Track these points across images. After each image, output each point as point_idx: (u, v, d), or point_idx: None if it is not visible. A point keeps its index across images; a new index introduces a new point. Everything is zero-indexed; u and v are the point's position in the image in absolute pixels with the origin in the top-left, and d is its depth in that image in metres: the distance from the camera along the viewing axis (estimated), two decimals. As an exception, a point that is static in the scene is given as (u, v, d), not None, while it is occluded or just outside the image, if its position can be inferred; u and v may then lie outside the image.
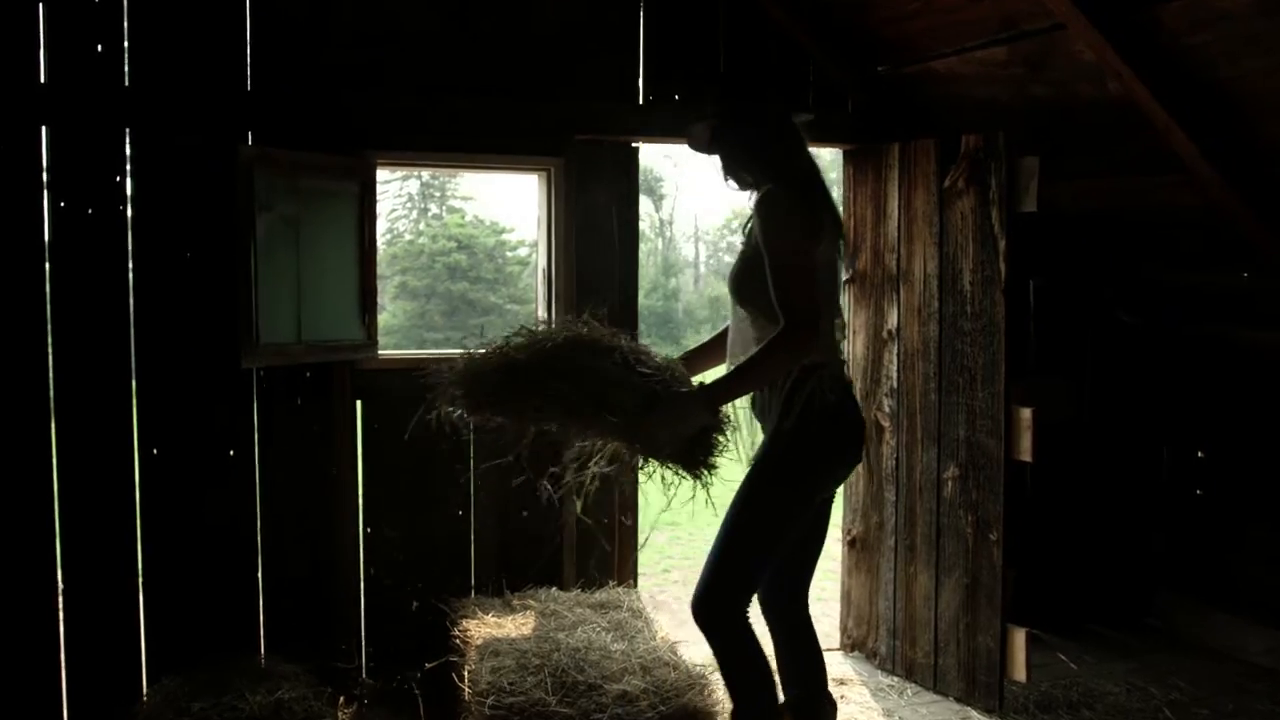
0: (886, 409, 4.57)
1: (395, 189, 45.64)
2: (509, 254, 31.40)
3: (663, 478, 2.85)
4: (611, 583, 4.37)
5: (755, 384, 2.92)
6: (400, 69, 4.15)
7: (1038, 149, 4.03)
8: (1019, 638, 4.08)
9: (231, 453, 4.06)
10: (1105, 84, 3.80)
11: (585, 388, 2.74)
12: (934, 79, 4.48)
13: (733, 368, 2.98)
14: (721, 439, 2.85)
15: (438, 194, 44.85)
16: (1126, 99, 3.71)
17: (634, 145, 4.48)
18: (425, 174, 46.26)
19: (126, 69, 3.85)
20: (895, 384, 4.52)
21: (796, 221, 2.82)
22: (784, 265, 2.78)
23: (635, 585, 4.51)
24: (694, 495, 2.83)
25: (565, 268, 4.33)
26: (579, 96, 4.35)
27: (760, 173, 2.99)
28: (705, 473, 2.83)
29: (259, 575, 4.14)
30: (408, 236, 43.49)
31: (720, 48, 4.53)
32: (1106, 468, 5.30)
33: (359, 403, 4.22)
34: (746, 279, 2.94)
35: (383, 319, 39.25)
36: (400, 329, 38.04)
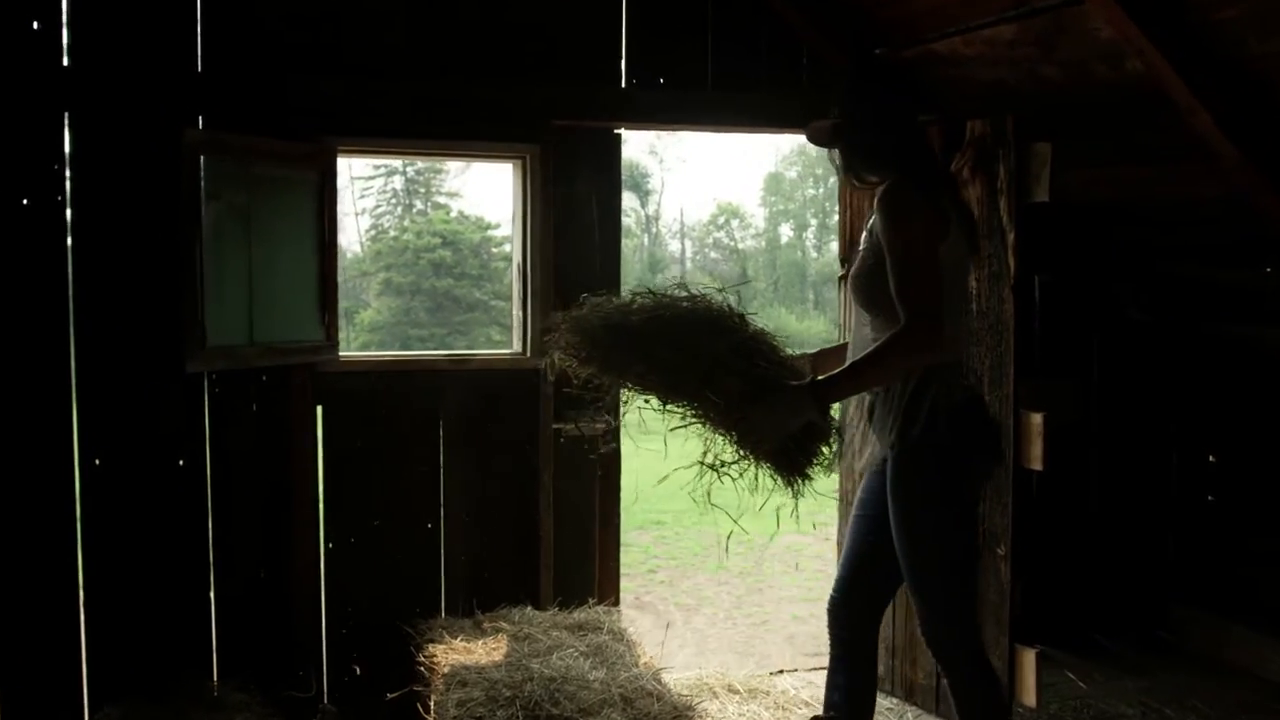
0: (885, 413, 4.29)
1: (380, 185, 45.43)
2: (494, 250, 31.14)
3: (755, 477, 2.67)
4: (591, 600, 4.08)
5: (870, 383, 2.77)
6: (364, 50, 3.86)
7: (1048, 135, 3.75)
8: (1028, 659, 3.81)
9: (181, 463, 3.76)
10: (1123, 64, 3.52)
11: (693, 363, 2.59)
12: (936, 61, 4.19)
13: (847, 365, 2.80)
14: (826, 449, 2.71)
15: (423, 190, 44.61)
16: (1146, 79, 3.44)
17: (616, 131, 4.20)
18: (410, 169, 46.14)
19: (65, 48, 3.53)
20: (895, 387, 4.24)
21: (920, 216, 2.69)
22: (905, 260, 2.64)
23: (617, 603, 4.22)
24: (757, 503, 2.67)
25: (541, 262, 4.03)
26: (557, 79, 4.06)
27: (883, 168, 2.85)
28: (801, 481, 2.68)
29: (211, 595, 3.84)
30: (393, 233, 43.22)
31: (708, 27, 4.23)
32: (1114, 473, 5.04)
33: (320, 408, 3.92)
34: (867, 279, 2.80)
35: (367, 315, 39.10)
36: (385, 325, 37.79)
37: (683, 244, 53.90)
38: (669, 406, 2.69)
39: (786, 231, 50.53)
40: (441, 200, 40.77)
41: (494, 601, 4.01)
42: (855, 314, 2.94)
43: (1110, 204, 4.39)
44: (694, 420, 2.68)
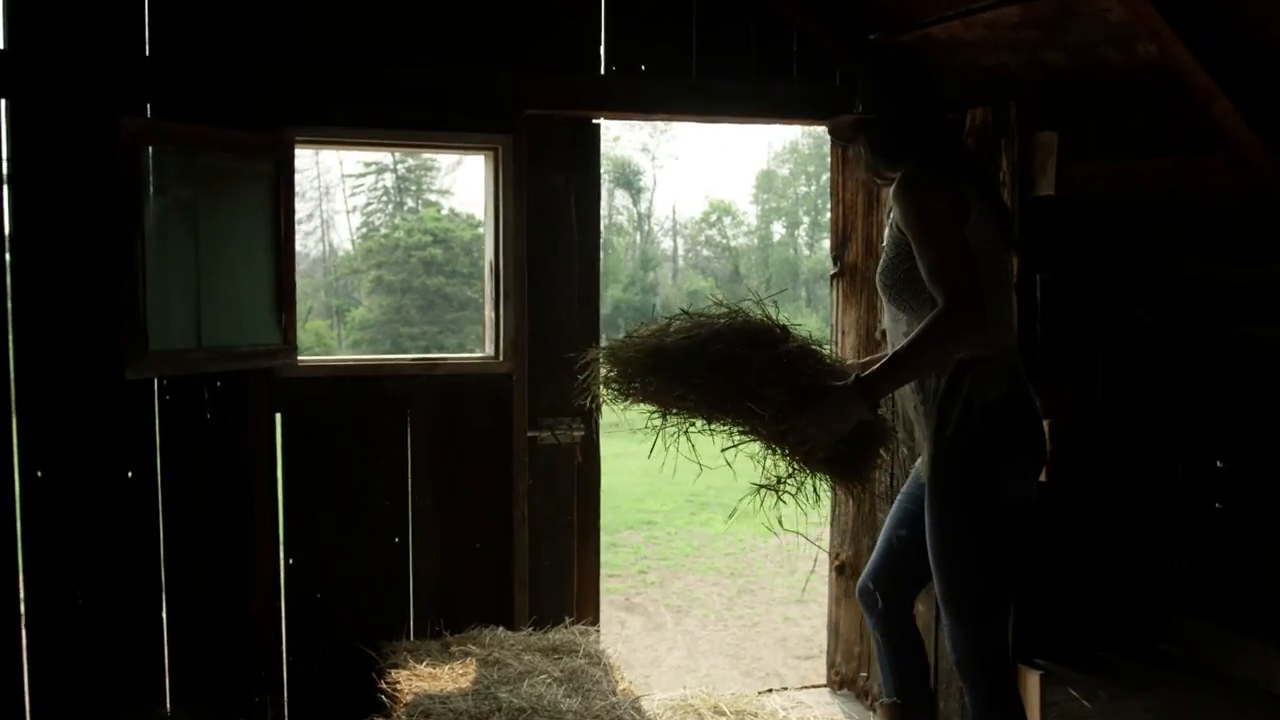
0: (880, 420, 4.06)
1: (371, 182, 45.30)
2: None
3: (815, 489, 2.60)
4: (568, 620, 3.84)
5: (914, 371, 2.61)
6: (324, 35, 3.61)
7: (1054, 124, 3.53)
8: (1032, 681, 3.59)
9: (130, 474, 3.51)
10: (1134, 48, 3.30)
11: (735, 379, 2.50)
12: (933, 47, 3.95)
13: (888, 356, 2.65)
14: (883, 450, 2.66)
15: (414, 187, 44.47)
16: (1161, 64, 3.21)
17: (595, 121, 3.95)
18: (401, 167, 45.95)
19: (1, 30, 3.29)
20: (890, 392, 4.00)
21: (939, 195, 2.58)
22: (932, 241, 2.54)
23: (596, 621, 3.98)
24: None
25: (515, 261, 3.79)
26: (531, 66, 3.81)
27: (901, 155, 2.74)
28: (861, 486, 2.65)
29: (163, 616, 3.60)
30: (384, 230, 43.06)
31: (692, 12, 3.98)
32: (1117, 480, 4.82)
33: (279, 416, 3.67)
34: (893, 273, 2.70)
35: (359, 313, 38.93)
36: (376, 323, 37.66)
37: (675, 241, 53.76)
38: (715, 427, 2.59)
39: (779, 229, 50.42)
40: (433, 198, 40.62)
41: (465, 621, 3.77)
42: (888, 314, 2.82)
43: (1118, 198, 4.15)
44: (743, 438, 2.59)
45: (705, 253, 52.26)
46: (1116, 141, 3.81)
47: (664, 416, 2.62)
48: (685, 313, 2.73)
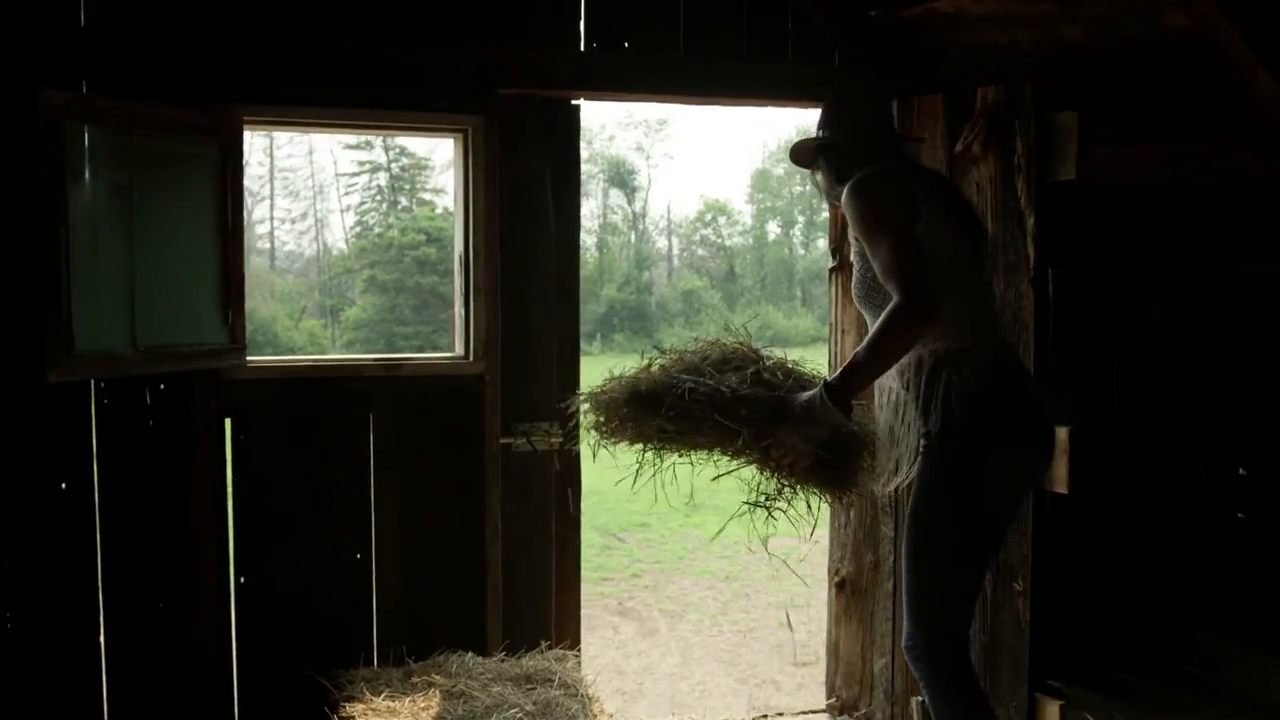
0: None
1: (365, 181, 45.02)
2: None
3: (808, 503, 2.69)
4: (545, 644, 3.53)
5: (876, 367, 2.62)
6: (277, 6, 3.31)
7: (1071, 104, 3.24)
8: (1050, 711, 3.31)
9: (64, 485, 3.20)
10: (1161, 18, 3.00)
11: (711, 403, 2.55)
12: (939, 22, 3.65)
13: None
14: (866, 454, 2.74)
15: (408, 187, 44.22)
16: (1192, 36, 2.92)
17: (574, 102, 3.65)
18: (395, 166, 45.67)
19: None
20: (894, 395, 3.71)
21: (883, 197, 2.68)
22: (881, 241, 2.62)
23: (576, 645, 3.67)
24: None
25: (486, 253, 3.49)
26: (505, 41, 3.50)
27: (853, 172, 2.79)
28: (850, 492, 2.77)
29: (101, 640, 3.29)
30: (377, 230, 42.82)
31: (680, -16, 3.69)
32: (1134, 488, 4.53)
33: (228, 422, 3.37)
34: (862, 284, 2.79)
35: (352, 313, 38.83)
36: (370, 323, 37.43)
37: (670, 241, 53.57)
38: (699, 455, 2.66)
39: (774, 229, 50.29)
40: (426, 197, 40.41)
41: (432, 645, 3.47)
42: (870, 324, 2.79)
43: (1136, 186, 3.85)
44: (730, 462, 2.64)
45: (700, 252, 52.06)
46: (1137, 123, 3.51)
47: (651, 452, 2.65)
48: (661, 350, 2.84)
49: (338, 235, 48.55)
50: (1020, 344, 3.32)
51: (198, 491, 3.31)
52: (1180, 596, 4.59)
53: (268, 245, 48.94)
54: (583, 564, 7.50)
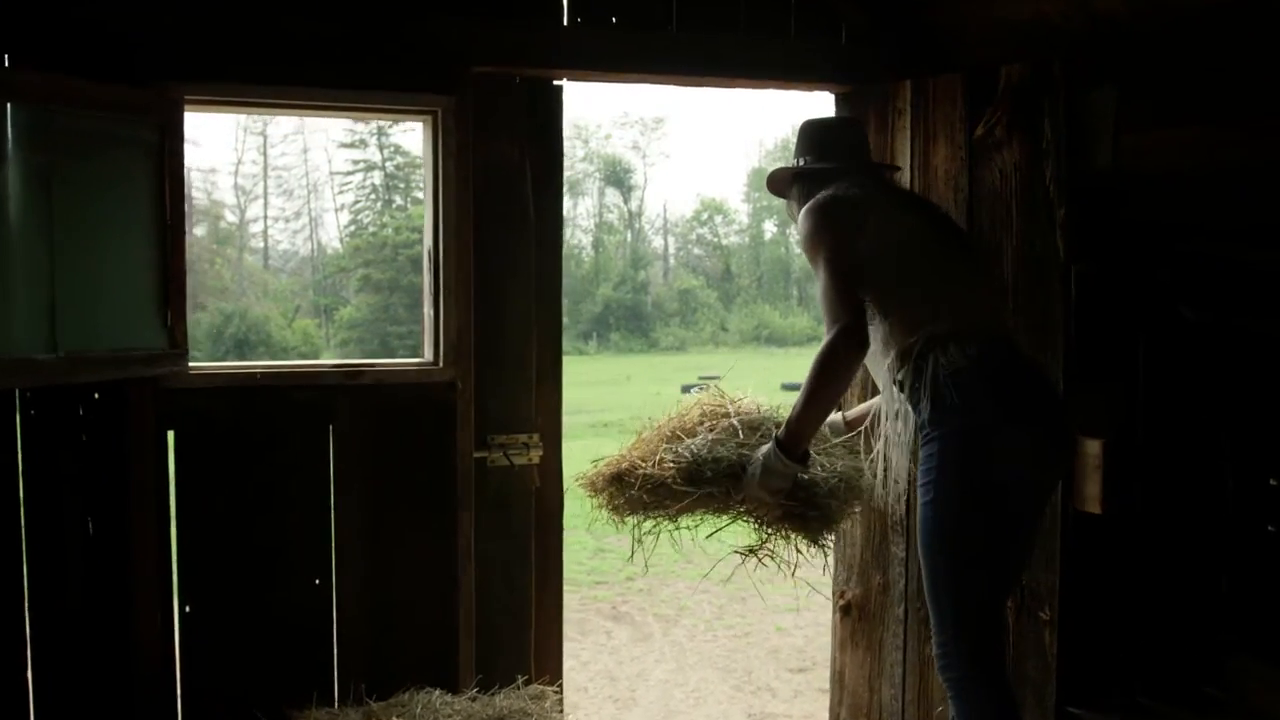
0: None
1: (359, 180, 44.77)
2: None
3: (797, 548, 2.80)
4: (522, 679, 3.19)
5: (818, 407, 2.67)
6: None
7: (1108, 81, 2.93)
8: (1079, 750, 2.98)
9: (-15, 508, 2.87)
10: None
11: (679, 474, 2.67)
12: (957, -5, 3.34)
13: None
14: (840, 496, 2.74)
15: (402, 185, 43.94)
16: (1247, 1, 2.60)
17: (556, 83, 3.32)
18: (390, 165, 45.34)
19: None
20: (906, 403, 3.38)
21: (819, 230, 2.73)
22: (817, 270, 2.72)
23: (557, 680, 3.33)
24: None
25: (458, 248, 3.15)
26: (479, 14, 3.17)
27: (816, 192, 2.85)
28: (826, 535, 2.79)
29: (29, 677, 2.95)
30: (372, 229, 42.57)
31: (672, -47, 3.36)
32: (1159, 499, 4.21)
33: (171, 434, 3.04)
34: None
35: (346, 312, 38.61)
36: (364, 322, 37.18)
37: (666, 240, 53.41)
38: (683, 520, 2.78)
39: (770, 228, 50.15)
40: (421, 195, 40.15)
41: (398, 680, 3.14)
42: None
43: (1171, 174, 3.54)
44: (720, 519, 2.81)
45: (697, 251, 51.89)
46: (1177, 105, 3.20)
47: (650, 521, 2.78)
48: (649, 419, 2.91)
49: (332, 234, 48.35)
50: (1048, 347, 3.01)
51: (137, 512, 2.97)
52: (1208, 616, 4.29)
53: (262, 244, 48.72)
54: (576, 567, 7.46)
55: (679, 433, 2.78)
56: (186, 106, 2.92)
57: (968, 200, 3.20)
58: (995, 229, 3.13)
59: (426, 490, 3.22)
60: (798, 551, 2.81)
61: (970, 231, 3.22)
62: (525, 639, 3.31)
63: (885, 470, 3.00)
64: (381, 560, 3.21)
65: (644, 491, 2.68)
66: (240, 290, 43.40)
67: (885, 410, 2.89)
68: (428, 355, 3.25)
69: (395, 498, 3.22)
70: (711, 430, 2.77)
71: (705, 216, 52.06)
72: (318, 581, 3.19)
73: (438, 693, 3.03)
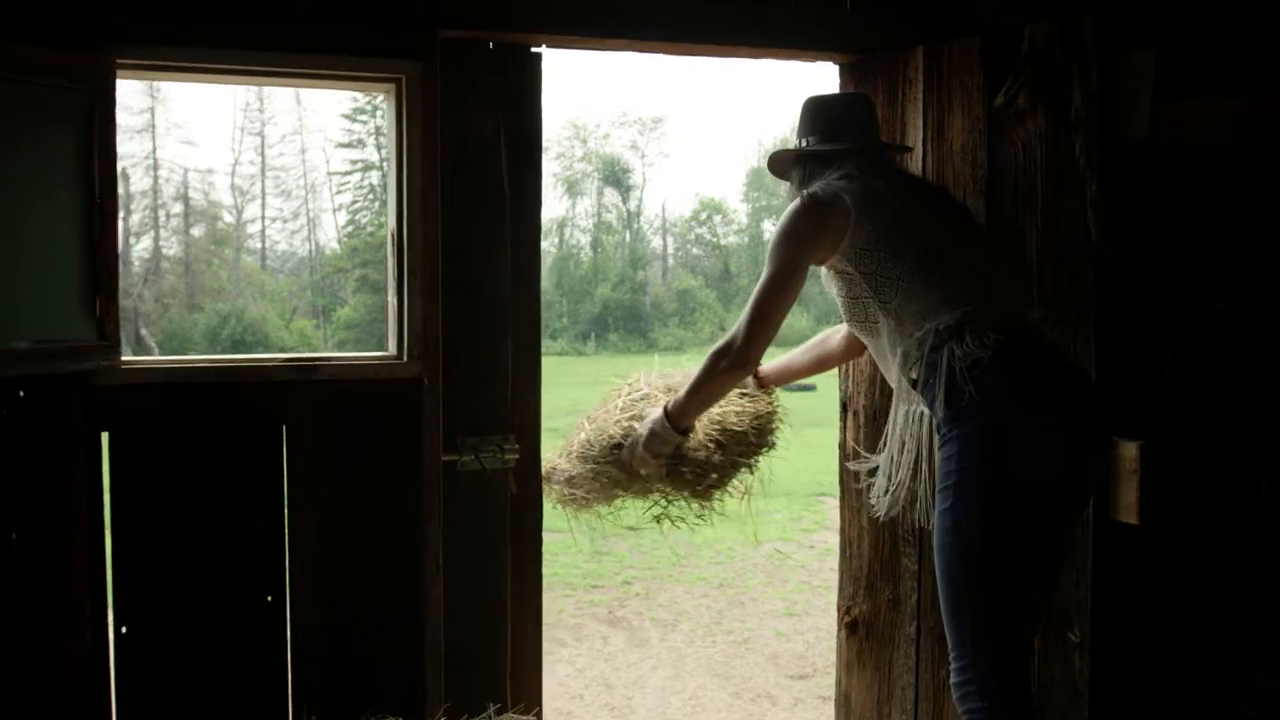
0: (906, 438, 3.13)
1: (357, 180, 44.47)
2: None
3: (669, 518, 2.90)
4: (495, 708, 2.89)
5: (704, 396, 2.70)
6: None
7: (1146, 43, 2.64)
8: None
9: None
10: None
11: (578, 458, 2.83)
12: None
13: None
14: (714, 474, 2.80)
15: (400, 185, 43.68)
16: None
17: (534, 49, 3.02)
18: (387, 165, 45.27)
19: None
20: (919, 402, 3.08)
21: (800, 229, 2.60)
22: (767, 267, 2.64)
23: (537, 708, 3.02)
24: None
25: (424, 231, 2.85)
26: (448, -27, 2.88)
27: (816, 176, 2.72)
28: (711, 503, 2.86)
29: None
30: (369, 229, 42.29)
31: (661, -94, 3.05)
32: (1185, 505, 3.92)
33: (105, 436, 2.74)
34: (846, 307, 2.68)
35: (344, 313, 38.52)
36: (362, 323, 36.92)
37: (664, 240, 53.17)
38: (608, 501, 2.88)
39: (769, 227, 49.85)
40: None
41: (358, 708, 2.84)
42: (869, 345, 2.72)
43: (1208, 152, 3.25)
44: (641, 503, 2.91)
45: (695, 251, 51.68)
46: (1220, 72, 2.91)
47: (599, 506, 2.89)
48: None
49: (330, 234, 48.11)
50: (1078, 339, 2.71)
51: (65, 522, 2.67)
52: (1235, 629, 4.01)
53: (259, 245, 48.44)
54: (572, 571, 7.26)
55: (597, 420, 2.87)
56: (119, 72, 2.62)
57: (986, 177, 2.91)
58: (1017, 209, 2.84)
59: (390, 497, 2.92)
60: (694, 514, 2.88)
61: (989, 212, 2.94)
62: (500, 663, 3.00)
63: (893, 475, 2.76)
64: (340, 575, 2.91)
65: (563, 485, 2.84)
66: (237, 291, 43.19)
67: (895, 410, 2.68)
68: (391, 348, 2.94)
69: (355, 506, 2.91)
70: (626, 412, 2.84)
71: (704, 216, 51.84)
72: (270, 599, 2.88)
73: (399, 724, 2.73)
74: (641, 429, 2.73)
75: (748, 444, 2.88)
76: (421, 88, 2.83)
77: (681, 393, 2.70)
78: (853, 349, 3.08)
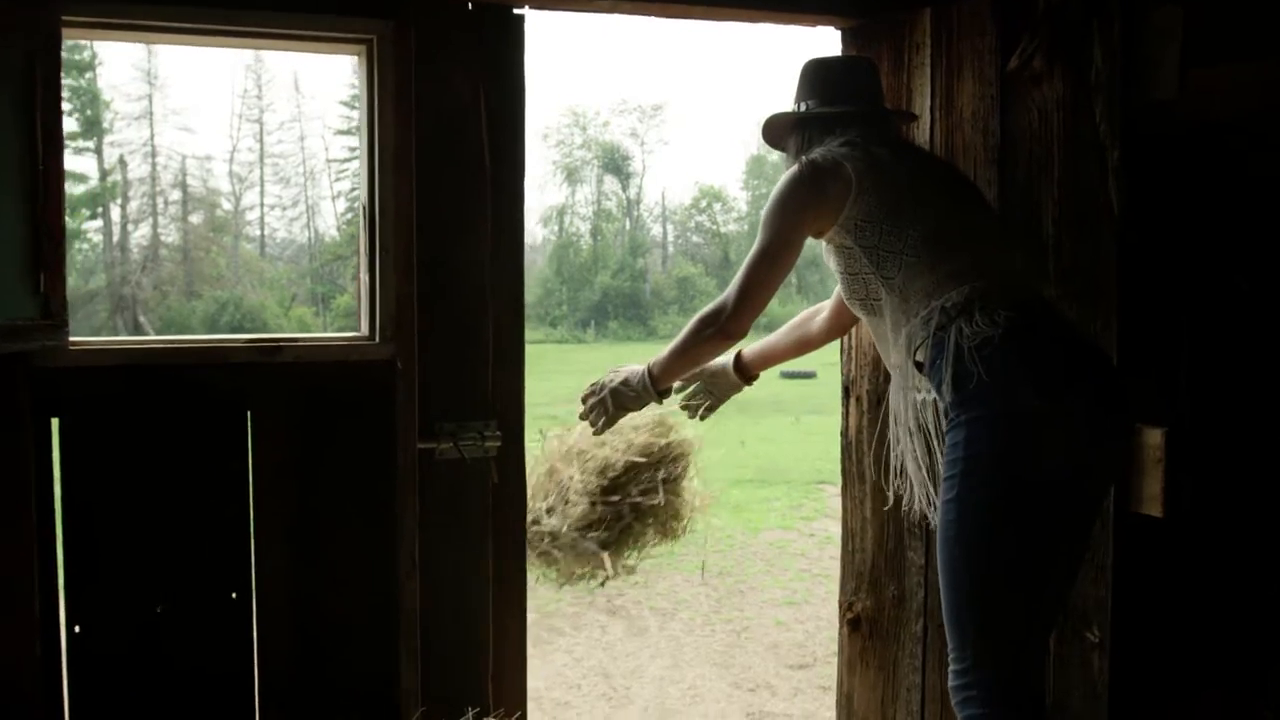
0: (911, 425, 2.95)
1: (356, 167, 44.20)
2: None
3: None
4: (473, 712, 2.71)
5: (686, 361, 2.60)
6: None
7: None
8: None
9: None
10: None
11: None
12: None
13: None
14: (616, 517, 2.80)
15: (399, 172, 43.52)
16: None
17: (516, 11, 2.83)
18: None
19: None
20: (925, 386, 2.90)
21: (795, 198, 2.43)
22: (760, 237, 2.48)
23: (520, 712, 2.84)
24: None
25: (397, 204, 2.66)
26: (422, -75, 2.68)
27: (814, 144, 2.55)
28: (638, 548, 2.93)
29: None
30: (368, 216, 42.20)
31: None
32: (1204, 500, 3.74)
33: (56, 423, 2.56)
34: (846, 283, 2.51)
35: (343, 300, 38.38)
36: (362, 312, 36.76)
37: (664, 228, 53.05)
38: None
39: (770, 215, 49.76)
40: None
41: (328, 713, 2.67)
42: (869, 325, 2.56)
43: (1233, 121, 3.05)
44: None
45: (695, 239, 51.57)
46: (1253, 33, 2.71)
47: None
48: None
49: (329, 222, 47.94)
50: (1098, 318, 2.53)
51: (9, 516, 2.49)
52: (1261, 630, 3.83)
53: (258, 232, 48.27)
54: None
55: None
56: (65, 31, 2.43)
57: (999, 146, 2.72)
58: (1033, 179, 2.65)
59: (362, 487, 2.74)
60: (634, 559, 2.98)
61: (1001, 183, 2.75)
62: (480, 664, 2.82)
63: (894, 466, 2.60)
64: (309, 571, 2.73)
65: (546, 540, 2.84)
66: (236, 278, 43.05)
67: (894, 398, 2.52)
68: (363, 328, 2.76)
69: (325, 496, 2.73)
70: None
71: (704, 204, 51.70)
72: (234, 595, 2.70)
73: (371, 729, 2.55)
74: (615, 377, 2.65)
75: (650, 481, 2.86)
76: (394, 49, 2.64)
77: (664, 352, 2.58)
78: (835, 329, 2.95)
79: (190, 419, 2.63)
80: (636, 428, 2.92)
